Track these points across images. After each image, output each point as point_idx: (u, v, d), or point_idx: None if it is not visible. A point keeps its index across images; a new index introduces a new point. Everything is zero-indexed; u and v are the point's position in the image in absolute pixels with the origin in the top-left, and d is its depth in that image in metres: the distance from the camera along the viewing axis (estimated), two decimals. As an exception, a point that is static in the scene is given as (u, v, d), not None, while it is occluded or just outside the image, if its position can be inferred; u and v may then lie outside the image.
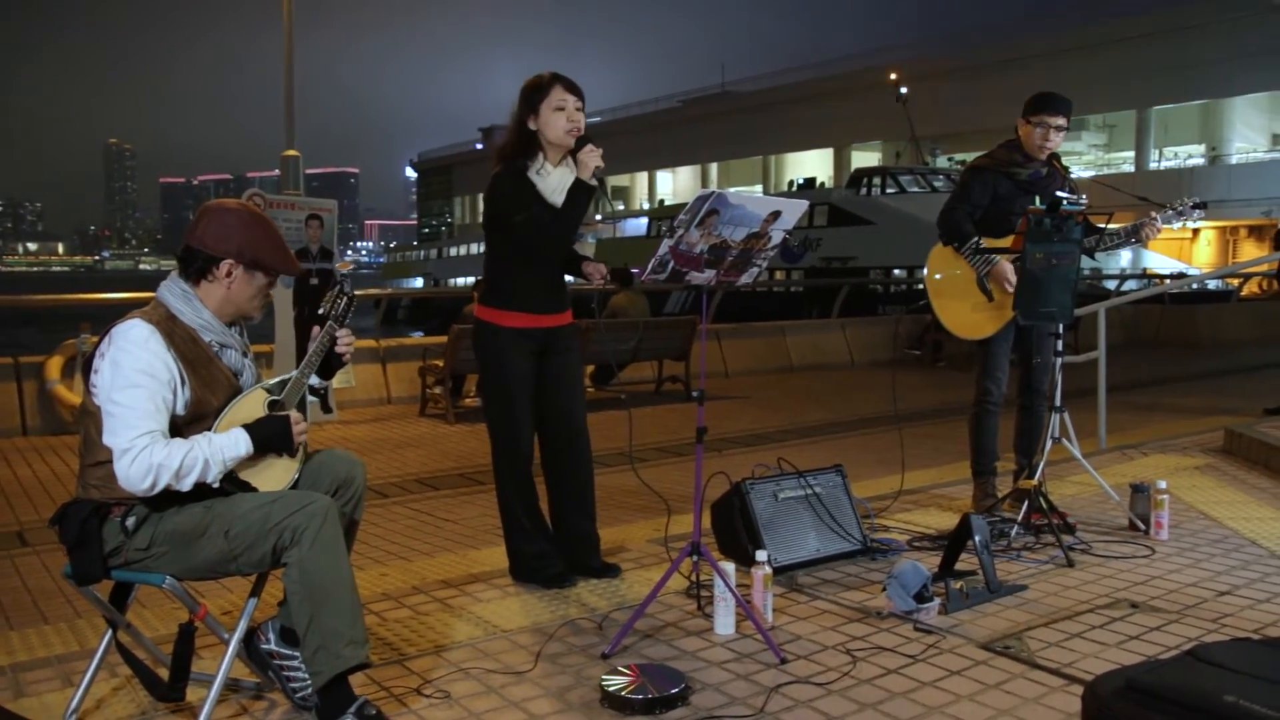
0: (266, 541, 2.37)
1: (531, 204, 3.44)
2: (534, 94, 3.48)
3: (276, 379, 2.60)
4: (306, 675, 2.43)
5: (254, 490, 2.47)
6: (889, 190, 29.67)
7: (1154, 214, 4.42)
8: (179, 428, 2.41)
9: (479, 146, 76.00)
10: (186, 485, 2.35)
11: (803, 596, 3.52)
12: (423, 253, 64.41)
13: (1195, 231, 35.85)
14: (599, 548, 3.76)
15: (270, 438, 2.46)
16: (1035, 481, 4.23)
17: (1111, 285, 19.58)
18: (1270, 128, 34.86)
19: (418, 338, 14.89)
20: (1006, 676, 2.81)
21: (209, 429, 2.44)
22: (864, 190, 30.33)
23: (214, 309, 2.53)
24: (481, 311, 3.62)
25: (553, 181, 3.49)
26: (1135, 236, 4.47)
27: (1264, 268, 16.54)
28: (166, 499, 2.38)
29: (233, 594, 3.63)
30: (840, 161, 44.71)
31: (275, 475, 2.52)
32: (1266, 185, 31.93)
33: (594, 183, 3.39)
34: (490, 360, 3.60)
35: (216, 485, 2.40)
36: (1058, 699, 2.66)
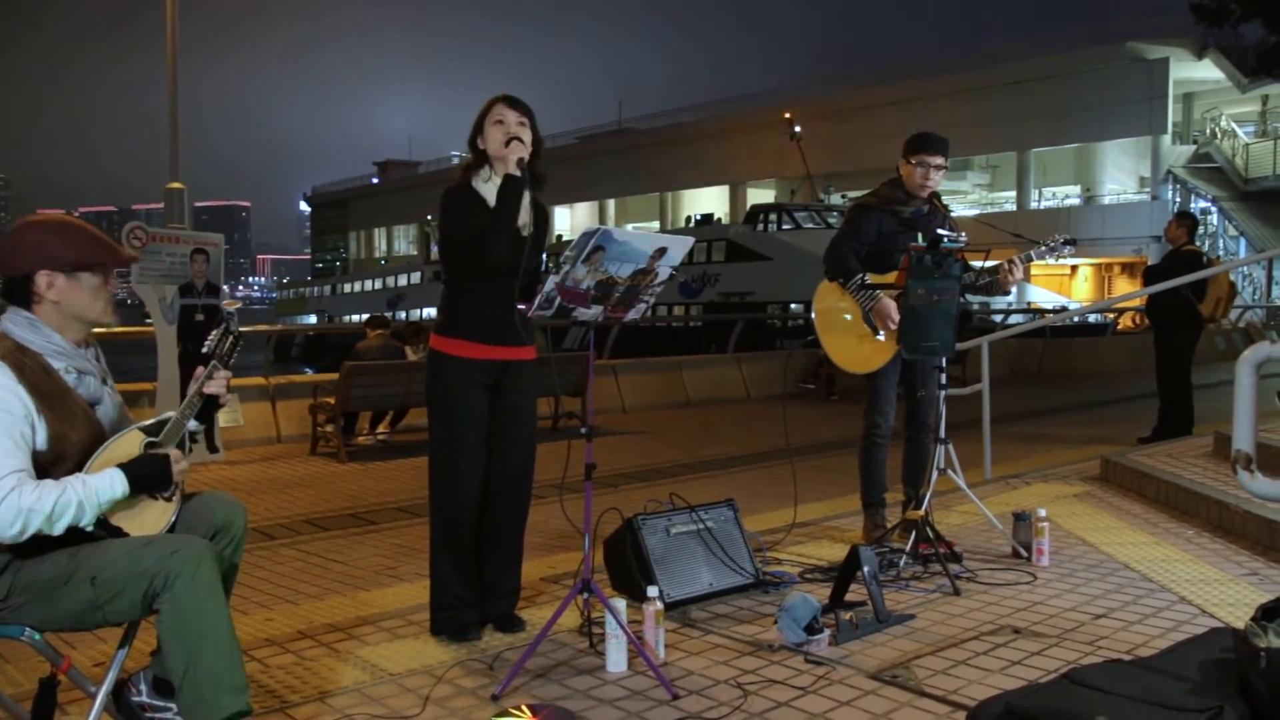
0: (136, 588, 2.26)
1: (471, 212, 3.39)
2: (481, 114, 3.52)
3: (154, 420, 2.50)
4: (181, 728, 2.33)
5: (124, 534, 2.36)
6: (785, 226, 30.24)
7: (1016, 258, 4.56)
8: (42, 467, 2.29)
9: (374, 181, 75.00)
10: (58, 530, 2.23)
11: (695, 631, 3.53)
12: (317, 289, 63.05)
13: (1073, 268, 37.44)
14: (516, 598, 3.62)
15: (148, 478, 2.36)
16: (922, 512, 4.32)
17: (998, 319, 20.28)
18: (1138, 171, 36.63)
19: (309, 375, 14.53)
20: (894, 705, 2.85)
21: (72, 469, 2.33)
22: (761, 226, 30.84)
23: (58, 329, 2.41)
24: (435, 341, 3.52)
25: (495, 186, 3.43)
26: (994, 276, 4.57)
27: (1135, 302, 17.33)
28: (30, 544, 2.26)
29: (106, 644, 3.46)
30: (736, 198, 45.39)
31: (151, 519, 2.42)
32: (1136, 225, 33.54)
33: (517, 173, 3.32)
34: (437, 393, 3.48)
35: (90, 529, 2.29)
36: (943, 726, 2.71)
